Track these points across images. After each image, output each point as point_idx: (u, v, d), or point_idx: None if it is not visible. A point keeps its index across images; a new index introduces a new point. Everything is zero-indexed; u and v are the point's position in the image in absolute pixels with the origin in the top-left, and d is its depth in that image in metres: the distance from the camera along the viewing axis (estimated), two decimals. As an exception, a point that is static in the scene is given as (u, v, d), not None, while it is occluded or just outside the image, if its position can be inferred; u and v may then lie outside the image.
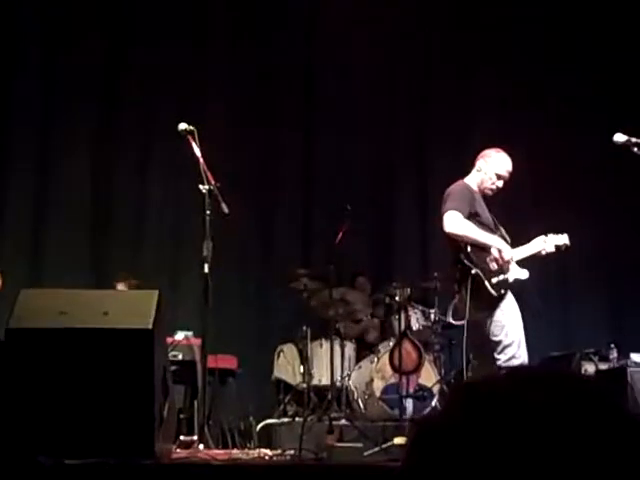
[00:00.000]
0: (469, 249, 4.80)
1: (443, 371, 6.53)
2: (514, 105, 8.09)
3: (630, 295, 7.92)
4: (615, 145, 4.70)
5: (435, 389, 6.34)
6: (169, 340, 5.51)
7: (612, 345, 6.57)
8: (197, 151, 4.68)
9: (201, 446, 4.08)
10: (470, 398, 0.80)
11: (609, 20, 8.19)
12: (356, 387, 6.53)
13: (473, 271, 4.76)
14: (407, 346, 6.41)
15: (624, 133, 4.69)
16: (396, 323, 6.64)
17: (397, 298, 6.55)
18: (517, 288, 4.90)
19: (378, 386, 6.42)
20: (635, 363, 6.32)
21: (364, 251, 7.75)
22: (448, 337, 6.67)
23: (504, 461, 0.73)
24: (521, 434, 0.74)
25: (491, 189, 5.06)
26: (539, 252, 5.09)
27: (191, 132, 4.73)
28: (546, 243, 5.12)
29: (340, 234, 6.00)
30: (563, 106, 8.10)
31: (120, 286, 6.37)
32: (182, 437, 4.28)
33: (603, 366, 6.43)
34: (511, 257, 4.84)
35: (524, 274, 4.89)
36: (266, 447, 5.16)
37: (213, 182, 4.63)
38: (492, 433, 0.75)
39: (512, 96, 8.10)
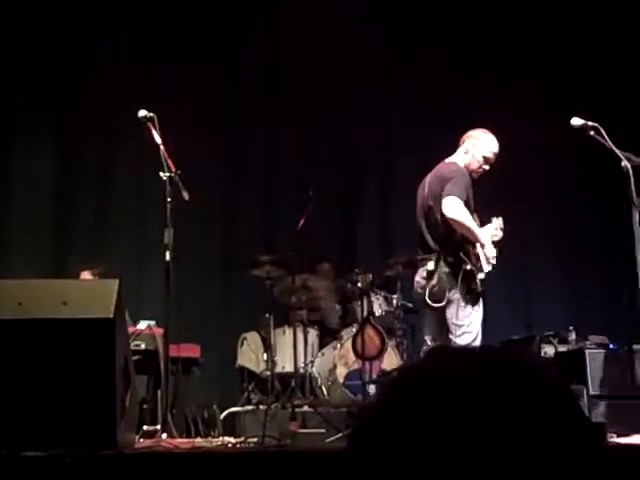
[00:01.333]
0: (464, 244, 4.82)
1: (406, 356, 6.56)
2: (480, 86, 8.10)
3: (589, 278, 8.04)
4: (572, 129, 4.78)
5: (398, 374, 6.37)
6: (132, 329, 5.47)
7: (571, 328, 6.67)
8: (157, 138, 4.65)
9: (164, 435, 4.06)
10: (401, 386, 0.80)
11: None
12: (319, 374, 6.55)
13: (468, 267, 4.78)
14: (370, 332, 6.44)
15: (581, 117, 4.77)
16: (359, 309, 6.66)
17: (359, 284, 6.57)
18: None
19: (341, 372, 6.44)
20: (593, 345, 6.43)
21: (326, 237, 7.75)
22: (411, 322, 6.70)
23: (437, 446, 0.73)
24: (451, 418, 0.74)
25: (478, 172, 5.03)
26: (493, 240, 5.13)
27: (151, 119, 4.70)
28: (495, 229, 5.15)
29: (302, 220, 5.99)
30: (524, 89, 8.14)
31: (86, 274, 6.29)
32: (145, 427, 4.26)
33: (562, 348, 6.53)
34: (493, 255, 4.89)
35: (489, 267, 4.95)
36: (230, 435, 5.17)
37: (174, 169, 4.60)
38: (422, 420, 0.75)
39: (478, 76, 8.12)
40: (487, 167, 5.05)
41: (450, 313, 4.78)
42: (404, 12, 8.13)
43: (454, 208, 4.74)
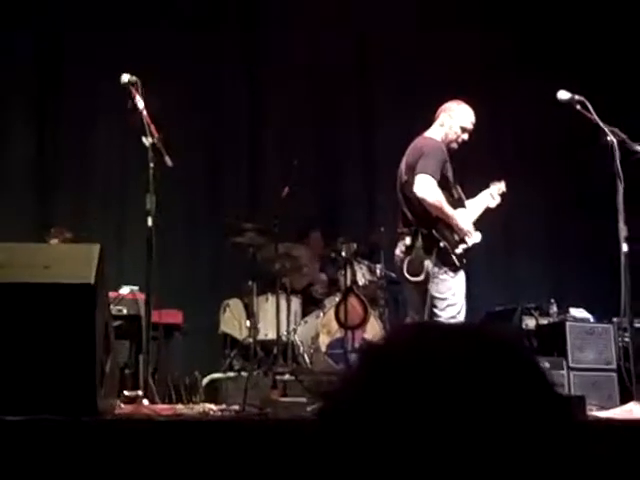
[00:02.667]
0: (439, 220, 4.80)
1: (388, 326, 6.59)
2: (463, 58, 8.06)
3: (570, 251, 8.08)
4: (559, 102, 4.76)
5: (380, 343, 6.40)
6: (114, 295, 5.46)
7: (552, 300, 6.72)
8: (140, 103, 4.58)
9: (145, 401, 4.06)
10: (372, 361, 0.80)
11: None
12: (302, 342, 6.57)
13: (441, 244, 4.77)
14: (353, 301, 6.46)
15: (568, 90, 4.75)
16: (342, 278, 6.67)
17: (343, 253, 6.57)
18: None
19: (324, 341, 6.47)
20: (574, 318, 6.49)
21: (310, 206, 7.73)
22: (394, 293, 6.72)
23: (404, 424, 0.73)
24: (420, 394, 0.74)
25: (457, 142, 5.01)
26: (488, 206, 5.15)
27: (134, 83, 4.63)
28: (493, 195, 5.17)
29: (286, 189, 5.97)
30: (511, 64, 8.13)
31: (54, 242, 6.22)
32: (126, 392, 4.25)
33: (543, 321, 6.58)
34: (470, 229, 4.87)
35: (478, 237, 4.94)
36: (212, 402, 5.17)
37: (156, 134, 4.54)
38: (392, 398, 0.75)
39: (461, 51, 8.09)
40: (465, 137, 5.03)
41: (431, 287, 4.78)
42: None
43: (425, 187, 4.72)
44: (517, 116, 7.94)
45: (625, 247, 4.46)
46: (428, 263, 4.78)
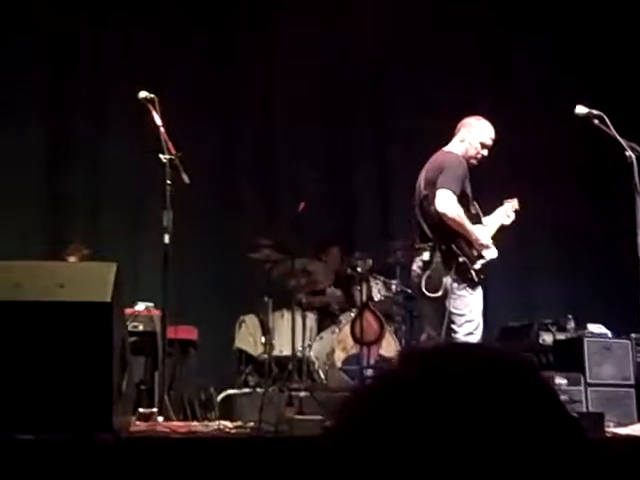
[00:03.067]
0: (458, 235, 4.78)
1: (404, 342, 6.56)
2: (476, 71, 8.06)
3: (588, 266, 8.02)
4: (577, 117, 4.74)
5: (396, 360, 6.37)
6: (130, 311, 5.46)
7: (570, 316, 6.66)
8: (158, 120, 4.62)
9: (160, 418, 4.06)
10: (383, 385, 0.79)
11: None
12: (317, 358, 6.54)
13: (461, 259, 4.76)
14: (368, 317, 6.43)
15: (585, 105, 4.73)
16: (358, 294, 6.65)
17: (359, 269, 6.56)
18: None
19: (339, 357, 6.44)
20: (592, 333, 6.43)
21: (327, 221, 7.72)
22: (409, 308, 6.70)
23: (417, 448, 0.73)
24: (433, 420, 0.74)
25: (476, 158, 4.99)
26: (502, 224, 5.13)
27: (151, 100, 4.66)
28: (507, 212, 5.15)
29: (302, 204, 5.97)
30: (525, 77, 8.11)
31: (72, 259, 6.23)
32: (141, 409, 4.25)
33: (561, 336, 6.53)
34: (489, 244, 4.85)
35: (494, 253, 4.92)
36: (227, 418, 5.16)
37: (174, 152, 4.57)
38: (401, 422, 0.74)
39: (474, 63, 8.08)
40: (485, 153, 5.02)
41: (449, 303, 4.76)
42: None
43: (446, 202, 4.71)
44: (534, 132, 7.91)
45: (643, 262, 4.42)
46: (447, 279, 4.75)
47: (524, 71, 8.20)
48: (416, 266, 4.96)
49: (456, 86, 7.88)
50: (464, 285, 4.78)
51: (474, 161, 5.00)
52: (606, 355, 6.26)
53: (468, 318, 4.78)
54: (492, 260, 4.91)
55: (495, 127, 5.09)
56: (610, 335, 6.48)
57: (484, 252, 4.84)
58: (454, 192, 4.72)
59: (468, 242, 4.79)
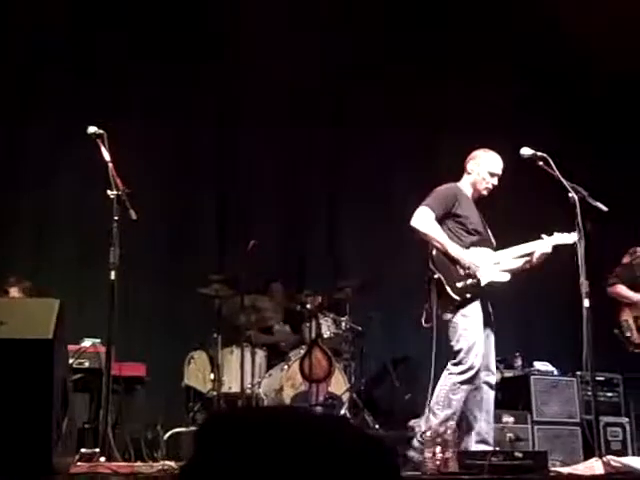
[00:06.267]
0: (434, 252, 4.81)
1: (353, 379, 6.56)
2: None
3: (535, 305, 8.11)
4: (522, 159, 4.84)
5: (345, 397, 6.36)
6: (75, 347, 5.37)
7: (517, 354, 6.74)
8: (106, 155, 4.58)
9: (102, 459, 3.97)
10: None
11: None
12: (266, 395, 6.50)
13: (436, 276, 4.77)
14: (318, 354, 6.42)
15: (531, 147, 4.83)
16: (307, 330, 6.64)
17: (308, 306, 6.56)
18: (493, 291, 4.91)
19: (288, 394, 6.41)
20: (538, 371, 6.51)
21: (275, 257, 7.69)
22: (359, 345, 6.70)
23: None
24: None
25: (487, 188, 5.08)
26: (532, 253, 5.00)
27: (100, 136, 4.63)
28: (544, 243, 4.99)
29: (253, 242, 5.96)
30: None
31: (13, 291, 6.12)
32: (84, 449, 4.15)
33: (508, 374, 6.60)
34: (472, 263, 4.79)
35: (503, 277, 4.89)
36: (173, 457, 5.08)
37: (122, 187, 4.53)
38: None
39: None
40: (495, 182, 5.09)
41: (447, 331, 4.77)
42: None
43: (419, 218, 4.80)
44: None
45: (587, 302, 4.50)
46: (436, 307, 4.74)
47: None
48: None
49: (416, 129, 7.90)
50: (450, 309, 4.75)
51: (485, 192, 5.09)
52: (552, 393, 6.34)
53: (456, 348, 4.74)
54: (498, 283, 4.87)
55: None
56: (556, 373, 6.57)
57: (478, 273, 4.80)
58: (432, 209, 4.80)
59: (452, 260, 4.80)
